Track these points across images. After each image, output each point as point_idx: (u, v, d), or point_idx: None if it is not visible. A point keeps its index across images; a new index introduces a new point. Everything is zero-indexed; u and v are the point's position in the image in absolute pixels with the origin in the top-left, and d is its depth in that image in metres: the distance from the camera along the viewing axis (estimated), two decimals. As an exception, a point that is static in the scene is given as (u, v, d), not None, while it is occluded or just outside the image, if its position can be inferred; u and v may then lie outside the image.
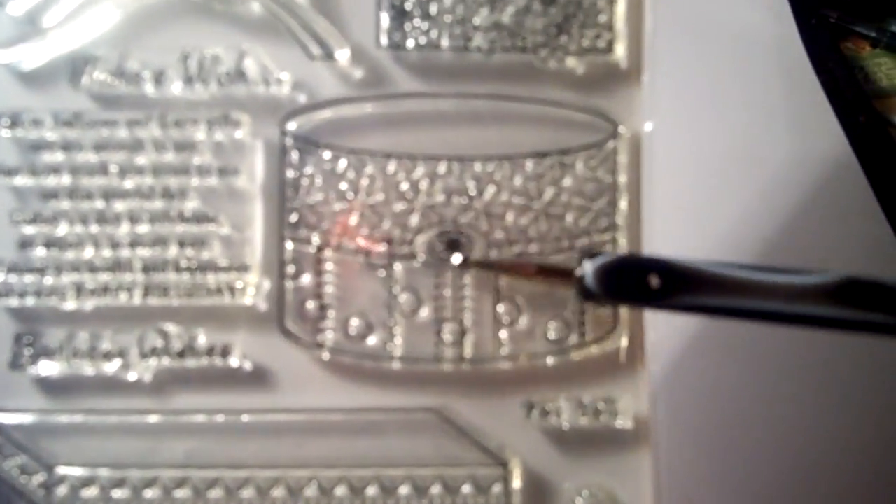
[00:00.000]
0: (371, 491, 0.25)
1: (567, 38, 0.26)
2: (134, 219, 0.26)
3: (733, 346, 0.25)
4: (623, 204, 0.26)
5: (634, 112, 0.26)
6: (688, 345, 0.25)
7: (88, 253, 0.26)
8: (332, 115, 0.26)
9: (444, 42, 0.26)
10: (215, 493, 0.25)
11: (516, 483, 0.25)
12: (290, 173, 0.26)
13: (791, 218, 0.25)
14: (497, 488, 0.25)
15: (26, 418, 0.26)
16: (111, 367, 0.26)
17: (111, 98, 0.26)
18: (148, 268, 0.26)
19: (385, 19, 0.26)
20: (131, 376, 0.26)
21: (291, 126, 0.26)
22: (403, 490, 0.25)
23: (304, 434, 0.26)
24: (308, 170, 0.26)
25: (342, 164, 0.26)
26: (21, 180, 0.26)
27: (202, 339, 0.26)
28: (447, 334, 0.25)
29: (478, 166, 0.25)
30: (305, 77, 0.26)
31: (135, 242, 0.26)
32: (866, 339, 0.21)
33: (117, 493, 0.25)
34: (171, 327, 0.26)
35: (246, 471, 0.25)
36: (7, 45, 0.26)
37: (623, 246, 0.26)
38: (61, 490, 0.25)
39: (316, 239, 0.26)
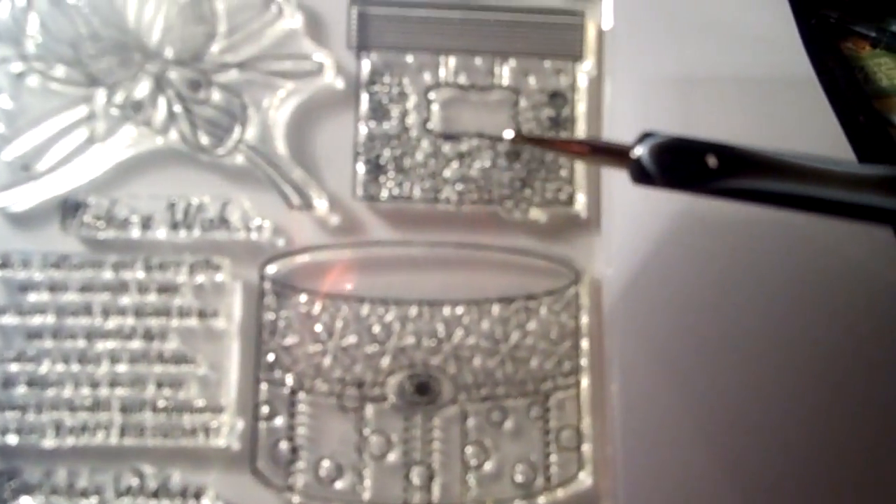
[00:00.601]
0: None
1: (531, 191, 0.28)
2: (114, 359, 0.27)
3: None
4: (585, 346, 0.27)
5: (595, 258, 0.28)
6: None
7: (69, 392, 0.27)
8: (310, 259, 0.28)
9: (417, 193, 0.28)
10: None
11: None
12: (268, 316, 0.27)
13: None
14: None
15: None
16: (87, 505, 0.26)
17: (98, 241, 0.28)
18: (126, 408, 0.27)
19: (361, 172, 0.28)
20: (107, 516, 0.26)
21: (270, 270, 0.27)
22: None
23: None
24: (284, 312, 0.27)
25: (317, 307, 0.27)
26: (7, 319, 0.27)
27: (176, 479, 0.26)
28: (415, 477, 0.26)
29: (447, 310, 0.27)
30: (285, 224, 0.27)
31: (114, 382, 0.27)
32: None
33: None
34: (146, 467, 0.26)
35: None
36: (0, 188, 0.28)
37: (586, 388, 0.27)
38: None
39: (290, 380, 0.27)
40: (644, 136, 0.20)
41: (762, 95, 0.26)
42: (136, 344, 0.27)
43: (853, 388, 0.26)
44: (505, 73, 0.28)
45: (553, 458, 0.26)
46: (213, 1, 0.28)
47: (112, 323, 0.27)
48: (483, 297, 0.27)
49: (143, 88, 0.28)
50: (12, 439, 0.26)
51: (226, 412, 0.27)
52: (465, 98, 0.28)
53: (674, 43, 0.27)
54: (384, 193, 0.28)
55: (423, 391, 0.26)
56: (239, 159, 0.28)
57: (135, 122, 0.28)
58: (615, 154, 0.21)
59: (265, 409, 0.26)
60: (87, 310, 0.27)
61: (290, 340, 0.27)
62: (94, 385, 0.27)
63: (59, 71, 0.28)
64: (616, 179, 0.28)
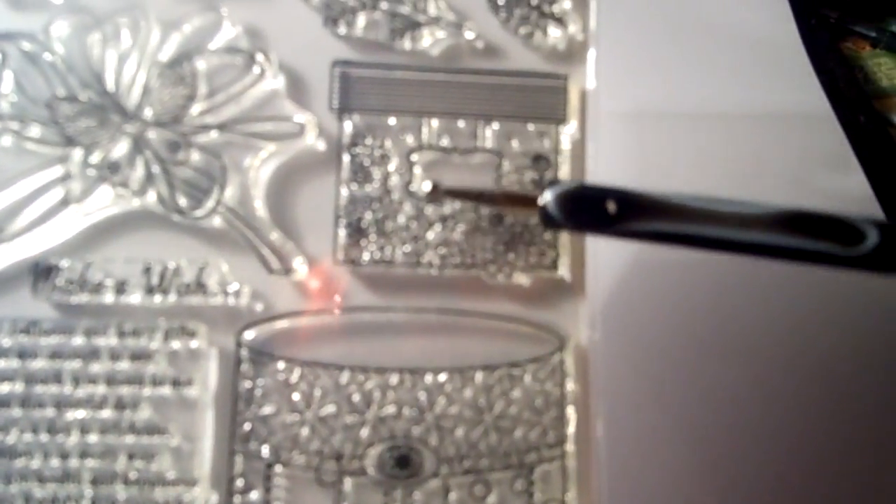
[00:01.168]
0: None
1: (514, 255, 0.27)
2: (85, 429, 0.26)
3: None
4: (571, 415, 0.27)
5: (580, 324, 0.27)
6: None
7: (37, 462, 0.26)
8: (288, 325, 0.27)
9: (399, 257, 0.27)
10: None
11: None
12: (244, 384, 0.26)
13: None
14: None
15: None
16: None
17: (71, 306, 0.27)
18: (96, 480, 0.26)
19: (342, 236, 0.27)
20: None
21: (248, 336, 0.27)
22: None
23: None
24: (262, 381, 0.26)
25: (296, 374, 0.26)
26: (-27, 387, 0.27)
27: (146, 556, 0.26)
28: (395, 555, 0.25)
29: (429, 378, 0.26)
30: (263, 289, 0.27)
31: (84, 453, 0.26)
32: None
33: None
34: (115, 542, 0.26)
35: None
36: (-29, 251, 0.28)
37: (571, 459, 0.26)
38: None
39: (266, 452, 0.26)
40: (551, 184, 0.22)
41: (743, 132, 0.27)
42: (107, 413, 0.26)
43: (840, 439, 0.26)
44: (488, 135, 0.28)
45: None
46: (193, 62, 0.28)
47: (83, 391, 0.26)
48: (466, 364, 0.26)
49: (120, 149, 0.27)
50: (-24, 511, 0.26)
51: (199, 485, 0.26)
52: (448, 161, 0.28)
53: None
54: (366, 257, 0.27)
55: (403, 464, 0.25)
56: (217, 221, 0.27)
57: (111, 183, 0.27)
58: (525, 202, 0.23)
59: (240, 483, 0.25)
60: (57, 377, 0.26)
61: (266, 410, 0.26)
62: (64, 456, 0.26)
63: (35, 131, 0.27)
64: (600, 243, 0.28)
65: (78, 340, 0.26)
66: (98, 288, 0.27)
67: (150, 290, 0.27)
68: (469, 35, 0.29)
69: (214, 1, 0.29)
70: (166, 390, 0.26)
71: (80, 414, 0.26)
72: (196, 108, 0.28)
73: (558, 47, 0.29)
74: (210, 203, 0.27)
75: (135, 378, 0.26)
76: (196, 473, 0.26)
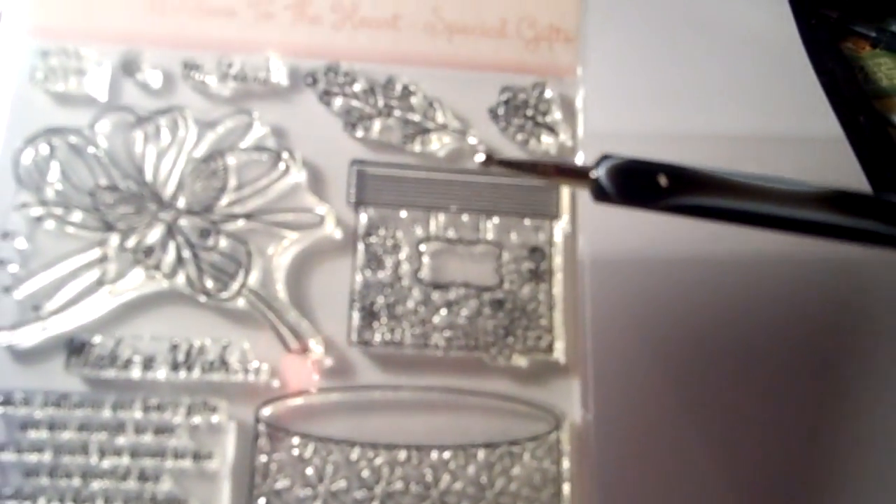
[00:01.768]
0: None
1: (513, 339, 0.30)
2: (108, 499, 0.27)
3: None
4: (567, 493, 0.28)
5: (574, 404, 0.29)
6: None
7: (60, 532, 0.27)
8: (303, 402, 0.29)
9: (408, 339, 0.30)
10: None
11: None
12: (260, 458, 0.28)
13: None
14: None
15: None
16: None
17: (100, 380, 0.29)
18: (116, 550, 0.27)
19: (356, 318, 0.30)
20: None
21: (265, 412, 0.28)
22: None
23: None
24: (277, 455, 0.28)
25: (309, 450, 0.28)
26: (6, 456, 0.28)
27: None
28: None
29: (434, 455, 0.28)
30: (281, 366, 0.29)
31: (107, 524, 0.28)
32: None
33: None
34: None
35: None
36: (9, 328, 0.29)
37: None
38: None
39: (280, 525, 0.27)
40: (602, 158, 0.22)
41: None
42: (130, 484, 0.28)
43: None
44: (489, 228, 0.31)
45: None
46: (225, 158, 0.31)
47: (108, 463, 0.28)
48: (468, 441, 0.28)
49: (154, 234, 0.30)
50: (-1, 580, 0.26)
51: (215, 556, 0.27)
52: (453, 250, 0.31)
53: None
54: (377, 338, 0.30)
55: (409, 538, 0.27)
56: (241, 303, 0.30)
57: (144, 266, 0.30)
58: (577, 175, 0.23)
59: (254, 553, 0.27)
60: (83, 449, 0.28)
61: (280, 484, 0.27)
62: (87, 526, 0.27)
63: (76, 216, 0.30)
64: (594, 326, 0.30)
65: (105, 414, 0.28)
66: (127, 364, 0.29)
67: (175, 367, 0.29)
68: (472, 140, 0.32)
69: (247, 104, 0.32)
70: (187, 463, 0.28)
71: (104, 484, 0.27)
72: (226, 199, 0.31)
73: (550, 152, 0.32)
74: (235, 286, 0.30)
75: (158, 451, 0.28)
76: (212, 544, 0.27)
